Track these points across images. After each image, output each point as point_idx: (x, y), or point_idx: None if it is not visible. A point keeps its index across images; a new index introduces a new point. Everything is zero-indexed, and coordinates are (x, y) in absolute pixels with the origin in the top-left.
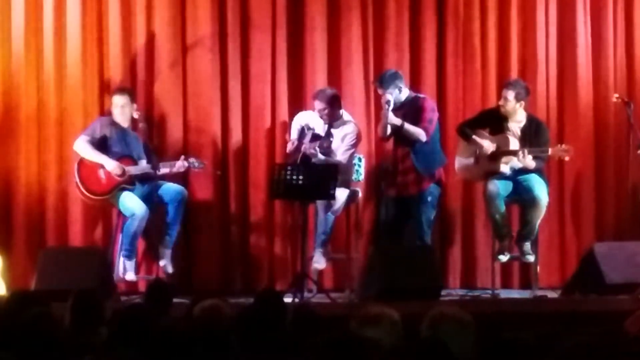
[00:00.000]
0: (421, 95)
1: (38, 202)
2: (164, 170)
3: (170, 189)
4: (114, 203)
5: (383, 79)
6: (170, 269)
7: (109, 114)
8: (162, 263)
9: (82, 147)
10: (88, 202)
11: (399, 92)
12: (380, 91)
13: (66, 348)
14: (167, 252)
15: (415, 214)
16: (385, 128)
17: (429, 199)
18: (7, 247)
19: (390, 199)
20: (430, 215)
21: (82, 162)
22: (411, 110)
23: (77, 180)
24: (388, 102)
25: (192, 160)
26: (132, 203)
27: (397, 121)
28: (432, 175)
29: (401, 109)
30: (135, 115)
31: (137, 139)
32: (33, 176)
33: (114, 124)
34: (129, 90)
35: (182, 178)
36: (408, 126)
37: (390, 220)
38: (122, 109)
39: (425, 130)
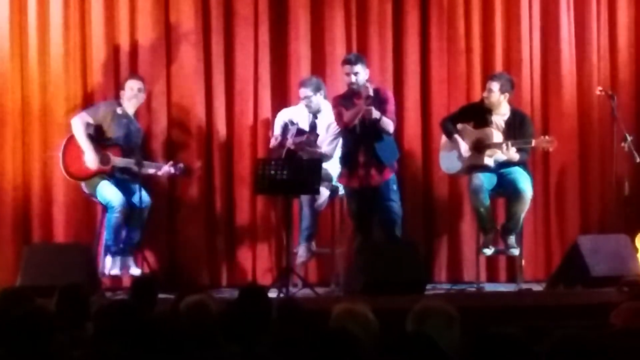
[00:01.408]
0: (380, 87)
1: (23, 197)
2: (150, 170)
3: (145, 197)
4: (92, 191)
5: (354, 56)
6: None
7: (116, 98)
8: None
9: (77, 126)
10: (67, 177)
11: (366, 76)
12: (349, 68)
13: (53, 343)
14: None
15: (382, 205)
16: (357, 116)
17: (394, 187)
18: None
19: (353, 191)
20: (399, 205)
21: (72, 138)
22: (376, 101)
23: (61, 156)
24: (369, 97)
25: (179, 166)
26: (109, 193)
27: (377, 114)
28: (392, 165)
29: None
30: (137, 102)
31: (140, 130)
32: (18, 171)
33: (118, 108)
34: (142, 78)
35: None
36: (384, 119)
37: (357, 213)
38: (136, 94)
39: (393, 121)
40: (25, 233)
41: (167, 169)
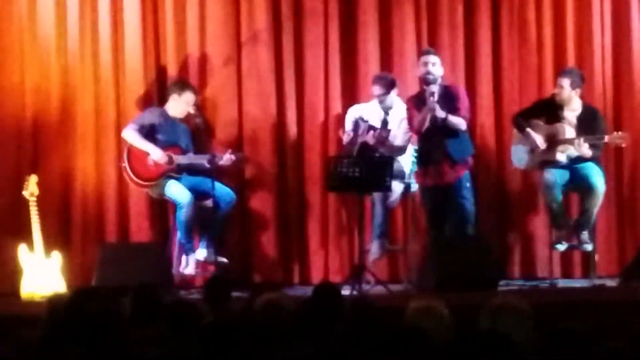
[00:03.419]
0: (451, 84)
1: (96, 199)
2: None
3: (225, 192)
4: (161, 191)
5: (433, 49)
6: (211, 257)
7: (161, 104)
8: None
9: (130, 135)
10: (136, 187)
11: (441, 72)
12: (426, 58)
13: (128, 342)
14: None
15: (455, 202)
16: (426, 121)
17: (467, 185)
18: (65, 244)
19: (427, 189)
20: (472, 202)
21: (131, 147)
22: (447, 98)
23: (126, 164)
24: (433, 93)
25: (240, 154)
26: (177, 191)
27: (442, 114)
28: (466, 162)
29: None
30: (192, 111)
31: (186, 131)
32: (91, 173)
33: (164, 114)
34: (197, 91)
35: (238, 172)
36: (451, 117)
37: (432, 211)
38: (188, 107)
39: (465, 119)
40: (98, 234)
41: (228, 156)
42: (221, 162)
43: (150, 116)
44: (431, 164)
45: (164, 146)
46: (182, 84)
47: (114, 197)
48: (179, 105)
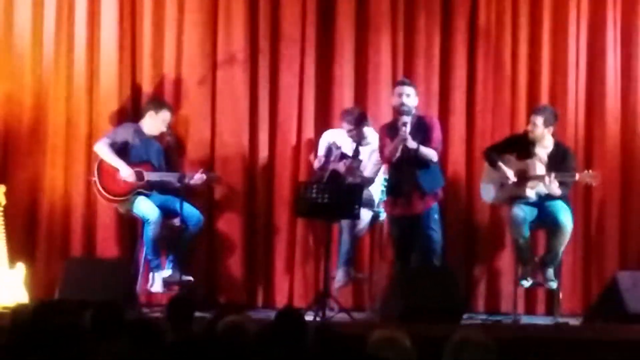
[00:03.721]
0: (425, 115)
1: (64, 212)
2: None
3: (192, 213)
4: (129, 207)
5: (408, 80)
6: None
7: (135, 121)
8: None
9: (102, 150)
10: (105, 202)
11: (416, 103)
12: (401, 89)
13: (90, 356)
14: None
15: (423, 233)
16: (397, 150)
17: (436, 216)
18: (30, 256)
19: (395, 219)
20: (439, 234)
21: (102, 162)
22: (420, 129)
23: (96, 178)
24: (405, 123)
25: (212, 174)
26: (145, 207)
27: (414, 144)
28: (436, 194)
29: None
30: (164, 129)
31: (159, 149)
32: (59, 185)
33: (138, 130)
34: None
35: (207, 192)
36: (423, 148)
37: (399, 240)
38: (164, 125)
39: (437, 151)
40: (64, 247)
41: (199, 176)
42: (192, 182)
43: (124, 132)
44: (401, 195)
45: (136, 163)
46: (160, 102)
47: (82, 210)
48: (155, 122)
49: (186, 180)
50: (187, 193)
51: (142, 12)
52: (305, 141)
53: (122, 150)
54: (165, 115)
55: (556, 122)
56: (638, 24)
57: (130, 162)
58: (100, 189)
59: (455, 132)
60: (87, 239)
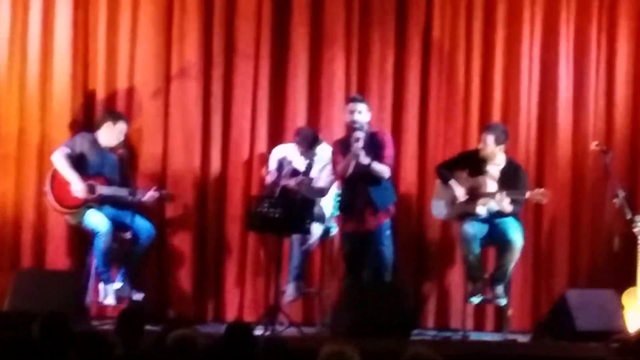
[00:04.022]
0: (378, 131)
1: (13, 222)
2: (139, 197)
3: (144, 226)
4: (80, 219)
5: (360, 97)
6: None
7: (92, 131)
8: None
9: (58, 161)
10: (56, 213)
11: (368, 119)
12: (353, 106)
13: None
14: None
15: (374, 249)
16: (349, 166)
17: (388, 232)
18: None
19: (347, 235)
20: (390, 250)
21: (56, 172)
22: (372, 145)
23: (49, 189)
24: (358, 139)
25: (164, 192)
26: (96, 220)
27: (366, 160)
28: (388, 210)
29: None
30: (121, 140)
31: (114, 162)
32: (10, 195)
33: (94, 141)
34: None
35: (159, 207)
36: (375, 164)
37: (350, 256)
38: (120, 136)
39: (389, 167)
40: (14, 259)
41: (151, 193)
42: (144, 199)
43: (82, 142)
44: (353, 211)
45: (90, 175)
46: (116, 113)
47: (32, 221)
48: (112, 134)
49: (138, 197)
50: (138, 207)
51: (96, 22)
52: (257, 156)
53: (78, 161)
54: (122, 127)
55: (507, 140)
56: (591, 40)
57: (84, 174)
58: (52, 199)
59: (408, 147)
60: (38, 250)
